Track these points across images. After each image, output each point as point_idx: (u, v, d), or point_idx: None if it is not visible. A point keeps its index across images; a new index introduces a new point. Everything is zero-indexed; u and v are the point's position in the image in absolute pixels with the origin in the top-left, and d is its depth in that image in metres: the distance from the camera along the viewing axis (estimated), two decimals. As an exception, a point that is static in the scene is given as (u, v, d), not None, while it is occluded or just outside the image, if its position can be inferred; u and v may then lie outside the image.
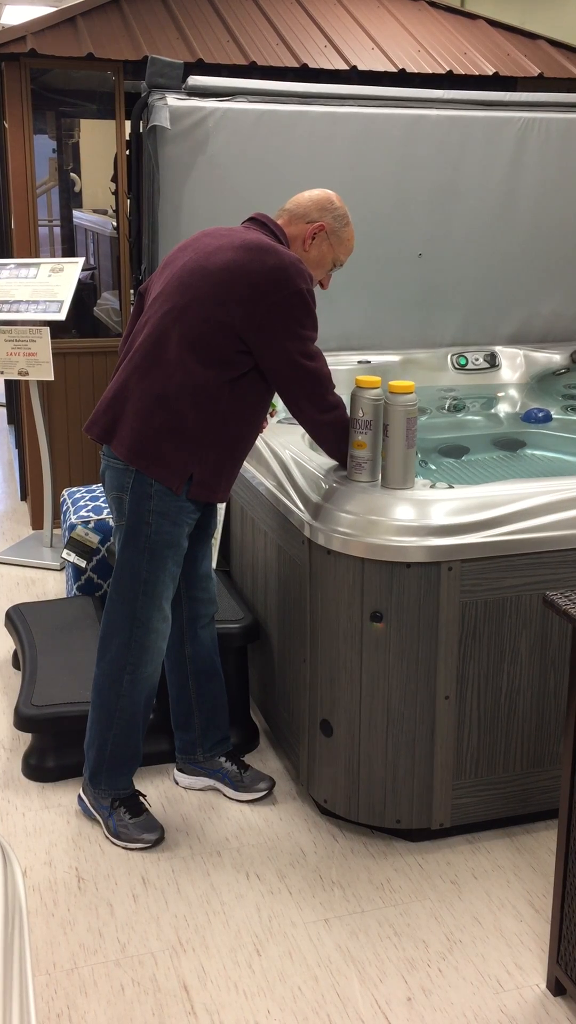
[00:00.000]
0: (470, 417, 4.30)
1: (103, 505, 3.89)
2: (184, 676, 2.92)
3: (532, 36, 5.22)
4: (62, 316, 4.42)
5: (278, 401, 3.24)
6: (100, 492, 4.04)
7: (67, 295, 4.47)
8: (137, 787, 2.87)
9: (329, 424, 2.68)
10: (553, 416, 4.22)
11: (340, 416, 2.68)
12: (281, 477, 2.94)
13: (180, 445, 2.57)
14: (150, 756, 3.06)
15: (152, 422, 2.56)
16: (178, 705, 2.96)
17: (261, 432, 2.82)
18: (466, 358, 4.40)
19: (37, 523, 5.06)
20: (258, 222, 2.69)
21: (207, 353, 2.53)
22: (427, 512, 2.55)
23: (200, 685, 2.92)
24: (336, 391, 2.69)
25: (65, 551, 3.81)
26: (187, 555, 2.79)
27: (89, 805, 2.83)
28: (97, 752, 2.77)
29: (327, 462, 2.86)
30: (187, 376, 2.54)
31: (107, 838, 2.78)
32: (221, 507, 3.53)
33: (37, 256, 4.73)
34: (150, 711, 2.79)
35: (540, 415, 4.21)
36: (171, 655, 2.91)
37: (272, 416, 3.32)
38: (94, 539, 3.77)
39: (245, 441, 2.68)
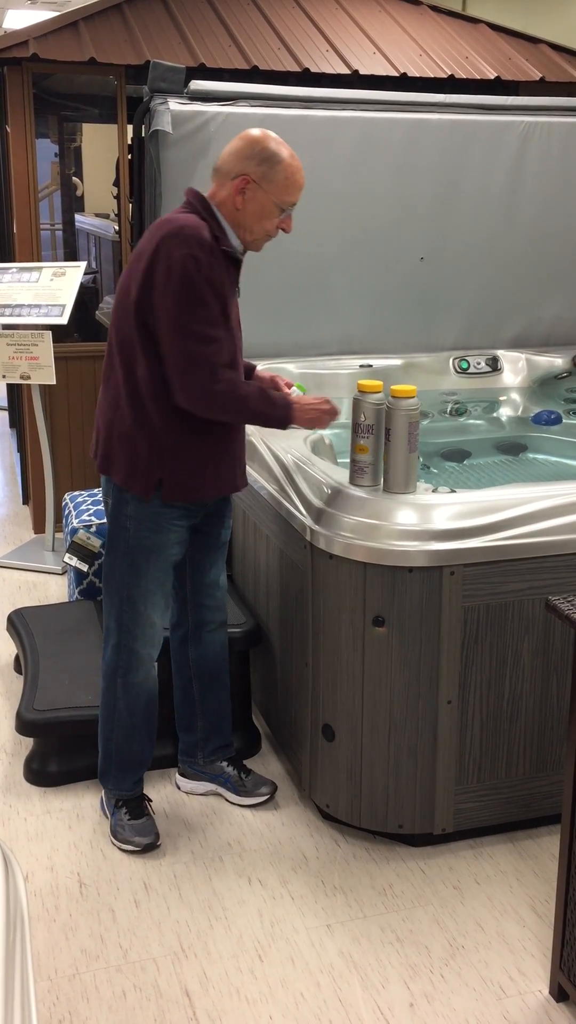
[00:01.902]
0: (472, 421, 4.30)
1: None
2: (188, 679, 2.92)
3: (534, 40, 5.22)
4: (64, 320, 4.42)
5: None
6: (101, 496, 4.04)
7: (69, 299, 4.47)
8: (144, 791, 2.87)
9: (210, 384, 2.46)
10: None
11: (222, 378, 2.47)
12: (283, 481, 2.94)
13: (141, 450, 2.55)
14: (153, 760, 3.05)
15: (114, 431, 2.58)
16: (182, 707, 2.96)
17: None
18: (468, 362, 4.40)
19: (39, 527, 5.05)
20: (186, 199, 2.60)
21: (135, 351, 2.51)
22: (429, 516, 2.55)
23: (204, 690, 2.92)
24: (232, 374, 2.52)
25: (67, 555, 3.81)
26: (193, 562, 2.78)
27: (102, 801, 2.87)
28: (104, 752, 2.79)
29: (329, 466, 2.86)
30: (128, 379, 2.53)
31: (109, 836, 2.80)
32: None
33: (39, 260, 4.73)
34: (154, 718, 2.78)
35: (551, 417, 4.21)
36: (177, 657, 2.92)
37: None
38: (96, 543, 3.77)
39: (216, 433, 2.58)
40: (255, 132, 2.56)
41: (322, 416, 2.66)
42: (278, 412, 2.59)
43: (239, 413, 2.56)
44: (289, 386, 2.80)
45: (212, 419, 2.54)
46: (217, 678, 2.92)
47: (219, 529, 2.82)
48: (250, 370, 2.84)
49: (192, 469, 2.58)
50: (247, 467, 3.20)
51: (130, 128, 4.35)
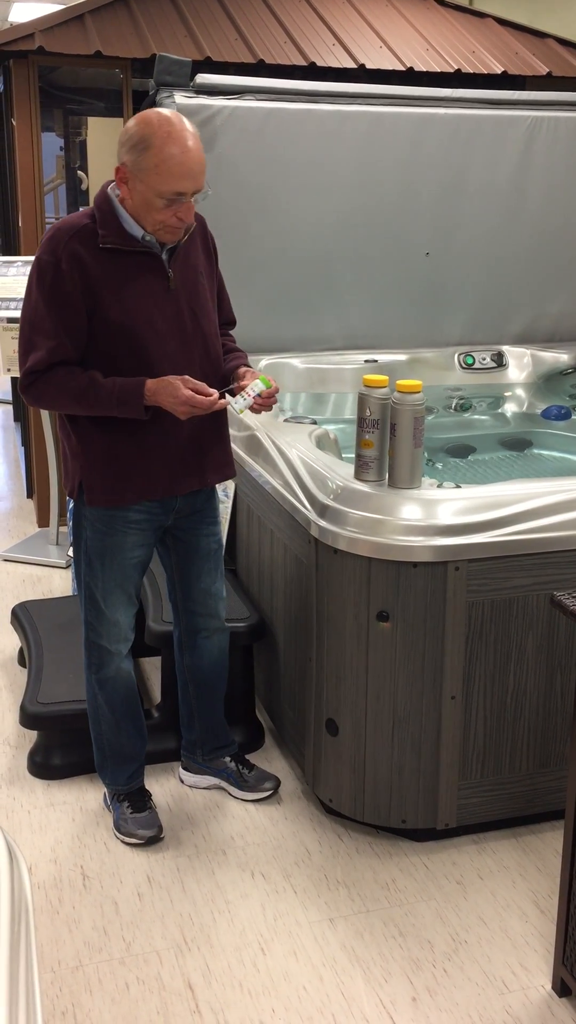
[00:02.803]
0: (477, 416, 4.30)
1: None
2: (185, 682, 2.92)
3: (541, 35, 5.21)
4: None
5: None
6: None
7: (74, 293, 4.46)
8: (146, 785, 2.87)
9: (23, 389, 2.46)
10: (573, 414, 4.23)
11: (31, 382, 2.43)
12: (288, 476, 2.94)
13: (67, 452, 2.58)
14: (156, 754, 3.06)
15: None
16: (183, 706, 2.97)
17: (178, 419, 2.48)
18: (473, 357, 4.40)
19: (43, 520, 5.06)
20: None
21: None
22: (434, 512, 2.55)
23: (200, 694, 2.91)
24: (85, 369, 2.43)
25: (71, 548, 3.81)
26: (179, 569, 2.77)
27: (105, 794, 2.88)
28: (96, 748, 2.80)
29: (334, 462, 2.86)
30: None
31: (112, 829, 2.80)
32: (225, 520, 3.51)
33: (44, 254, 4.73)
34: (137, 711, 2.78)
35: (562, 412, 4.21)
36: (177, 657, 2.92)
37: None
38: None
39: (126, 434, 2.48)
40: (144, 114, 2.33)
41: (176, 405, 2.40)
42: (116, 399, 2.40)
43: (72, 406, 2.45)
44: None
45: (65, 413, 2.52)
46: (211, 686, 2.91)
47: (198, 538, 2.74)
48: (230, 371, 2.66)
49: (105, 472, 2.51)
50: (253, 462, 3.21)
51: (136, 122, 4.34)
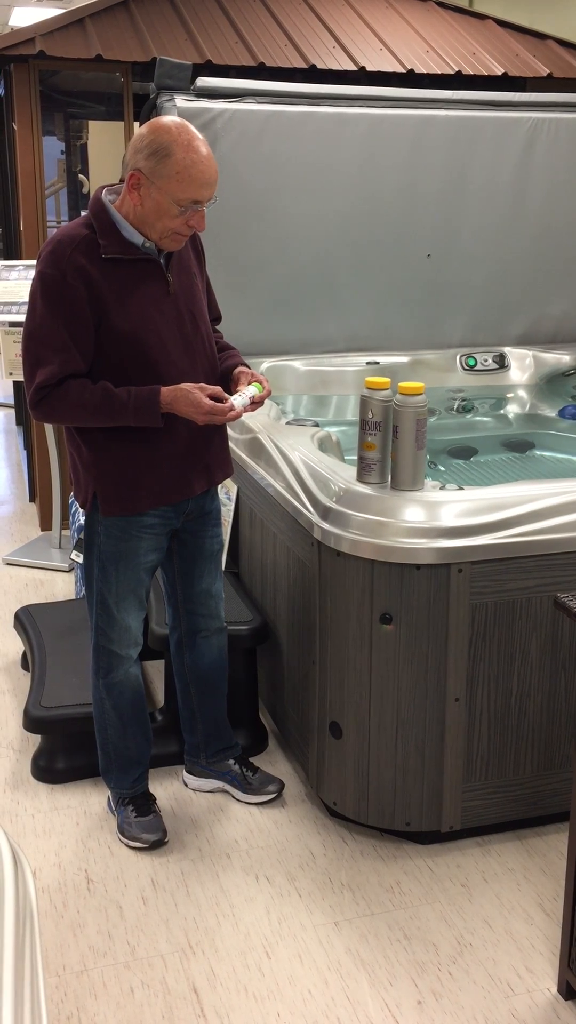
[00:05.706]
0: (479, 418, 4.30)
1: (112, 506, 3.89)
2: (186, 684, 2.91)
3: (541, 36, 5.21)
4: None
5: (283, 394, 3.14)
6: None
7: (76, 296, 4.46)
8: (150, 788, 2.87)
9: (34, 405, 2.43)
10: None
11: (42, 397, 2.40)
12: (290, 478, 2.94)
13: (77, 464, 2.57)
14: (159, 758, 3.06)
15: (68, 441, 2.61)
16: (184, 709, 2.96)
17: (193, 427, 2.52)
18: (475, 359, 4.40)
19: (46, 524, 5.06)
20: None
21: None
22: (437, 514, 2.54)
23: (201, 695, 2.91)
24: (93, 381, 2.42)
25: (74, 552, 3.81)
26: (181, 571, 2.77)
27: (109, 798, 2.88)
28: (102, 752, 2.80)
29: (337, 464, 2.86)
30: None
31: (116, 832, 2.80)
32: (227, 522, 3.51)
33: (46, 258, 4.73)
34: (144, 716, 2.78)
35: None
36: (175, 660, 2.92)
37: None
38: (103, 540, 3.77)
39: (137, 442, 2.48)
40: (160, 121, 2.34)
41: (197, 415, 2.43)
42: (132, 409, 2.40)
43: (87, 419, 2.43)
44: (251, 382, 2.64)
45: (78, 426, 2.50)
46: (213, 685, 2.91)
47: (203, 539, 2.75)
48: (228, 370, 2.67)
49: (119, 481, 2.51)
50: (255, 465, 3.21)
51: (136, 125, 4.35)
